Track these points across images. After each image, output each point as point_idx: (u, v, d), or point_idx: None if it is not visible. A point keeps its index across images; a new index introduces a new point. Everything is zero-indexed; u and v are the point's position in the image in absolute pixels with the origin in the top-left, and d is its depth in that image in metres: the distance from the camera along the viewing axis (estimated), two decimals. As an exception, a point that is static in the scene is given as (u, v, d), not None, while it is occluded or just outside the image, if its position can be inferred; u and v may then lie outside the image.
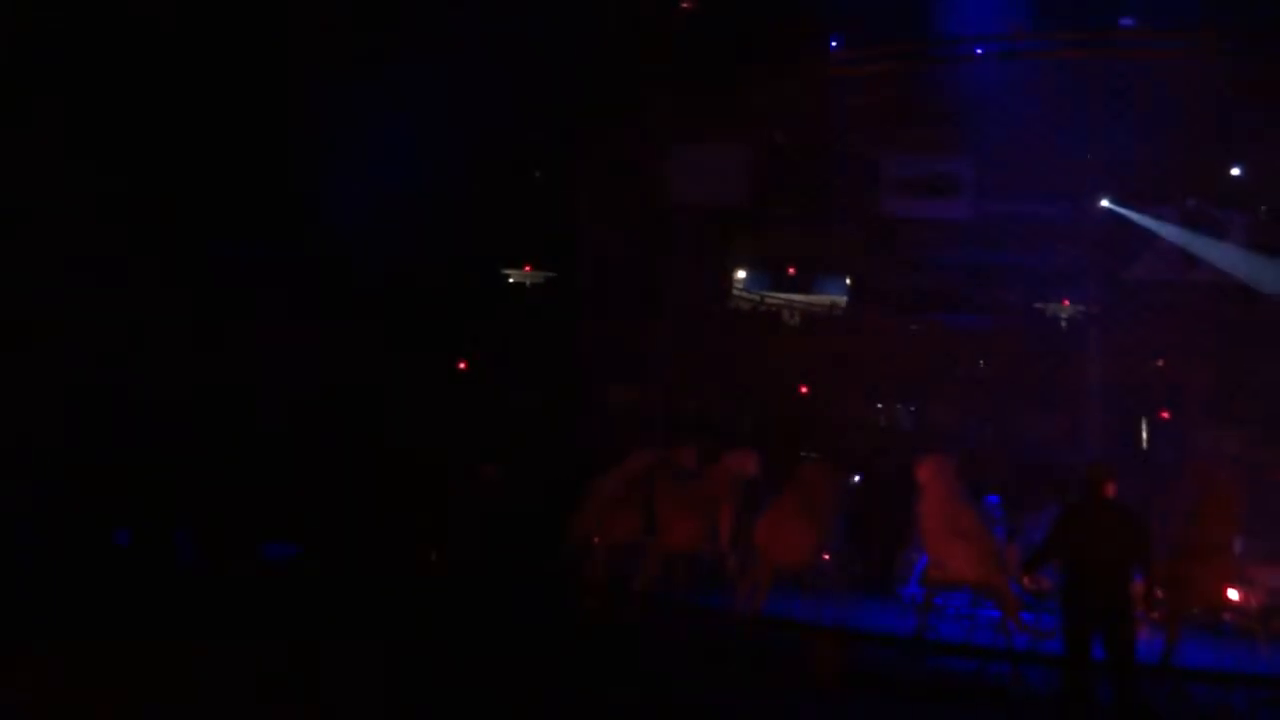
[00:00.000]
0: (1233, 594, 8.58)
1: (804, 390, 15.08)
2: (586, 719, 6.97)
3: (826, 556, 10.30)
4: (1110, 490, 6.99)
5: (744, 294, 17.11)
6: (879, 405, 15.13)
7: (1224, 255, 13.33)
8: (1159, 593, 7.58)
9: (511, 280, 20.31)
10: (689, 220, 15.31)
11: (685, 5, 14.18)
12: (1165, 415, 13.34)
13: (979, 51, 13.18)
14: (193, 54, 13.87)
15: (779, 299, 16.78)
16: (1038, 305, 14.90)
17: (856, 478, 11.21)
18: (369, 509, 12.92)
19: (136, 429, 13.64)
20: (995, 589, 8.89)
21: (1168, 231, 13.55)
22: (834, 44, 13.68)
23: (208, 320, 14.67)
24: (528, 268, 20.00)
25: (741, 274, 17.85)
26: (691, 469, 10.67)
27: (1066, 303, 15.70)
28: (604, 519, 10.82)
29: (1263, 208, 13.02)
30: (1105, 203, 13.97)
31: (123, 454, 13.27)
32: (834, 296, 17.49)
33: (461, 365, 19.11)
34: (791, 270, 17.61)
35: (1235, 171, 12.96)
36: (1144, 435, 14.04)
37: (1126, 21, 12.55)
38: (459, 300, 17.22)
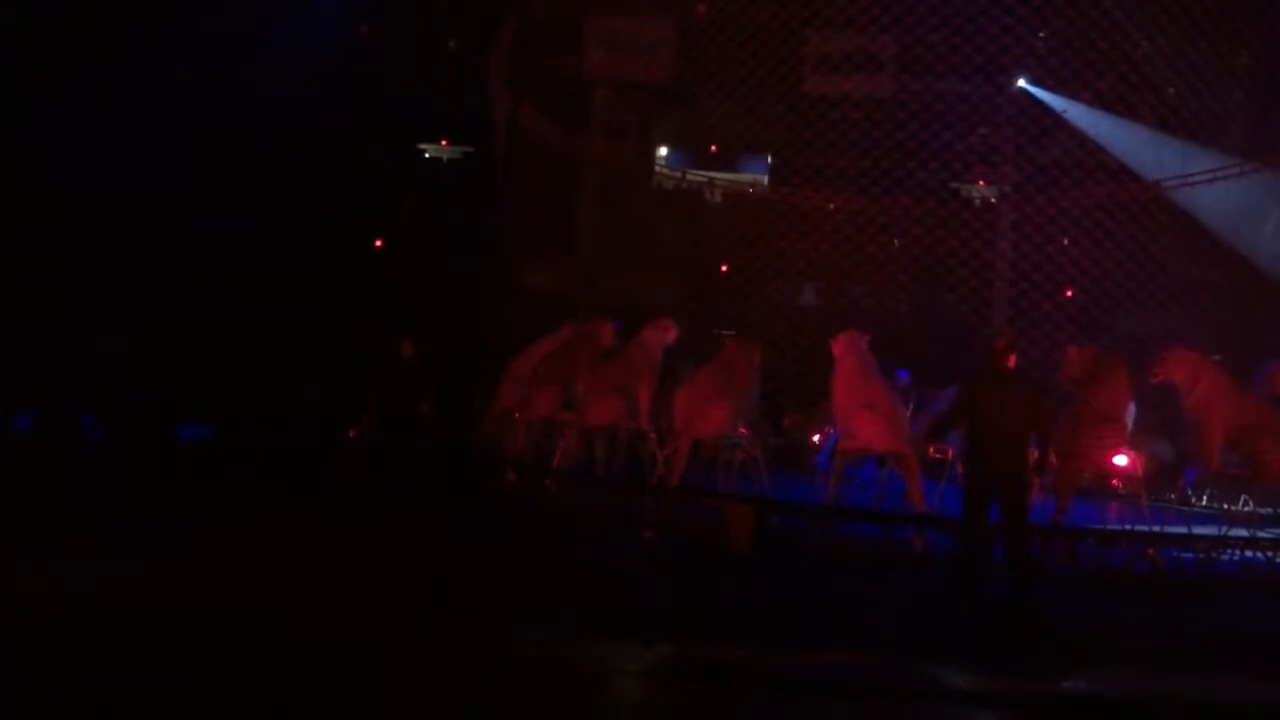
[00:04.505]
0: (1121, 460, 9.08)
1: (724, 268, 15.18)
2: (503, 587, 7.12)
3: (744, 431, 10.57)
4: (1011, 361, 7.27)
5: (665, 171, 16.97)
6: (797, 283, 15.36)
7: (1132, 137, 13.63)
8: (1053, 459, 7.96)
9: (427, 155, 19.79)
10: (609, 94, 15.02)
11: None
12: (1069, 294, 13.80)
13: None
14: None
15: (701, 176, 16.69)
16: (954, 185, 15.10)
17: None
18: (285, 388, 12.79)
19: (40, 310, 13.16)
20: (901, 458, 9.27)
21: (1079, 114, 13.76)
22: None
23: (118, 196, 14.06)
24: (444, 142, 19.47)
25: (663, 150, 17.66)
26: (610, 345, 10.75)
27: (982, 183, 15.95)
28: (524, 394, 10.91)
29: (1171, 90, 13.24)
30: (1022, 83, 14.09)
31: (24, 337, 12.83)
32: (755, 175, 17.44)
33: (378, 244, 18.75)
34: (714, 148, 17.47)
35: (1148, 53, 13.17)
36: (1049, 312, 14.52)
37: None
38: (373, 175, 16.75)
